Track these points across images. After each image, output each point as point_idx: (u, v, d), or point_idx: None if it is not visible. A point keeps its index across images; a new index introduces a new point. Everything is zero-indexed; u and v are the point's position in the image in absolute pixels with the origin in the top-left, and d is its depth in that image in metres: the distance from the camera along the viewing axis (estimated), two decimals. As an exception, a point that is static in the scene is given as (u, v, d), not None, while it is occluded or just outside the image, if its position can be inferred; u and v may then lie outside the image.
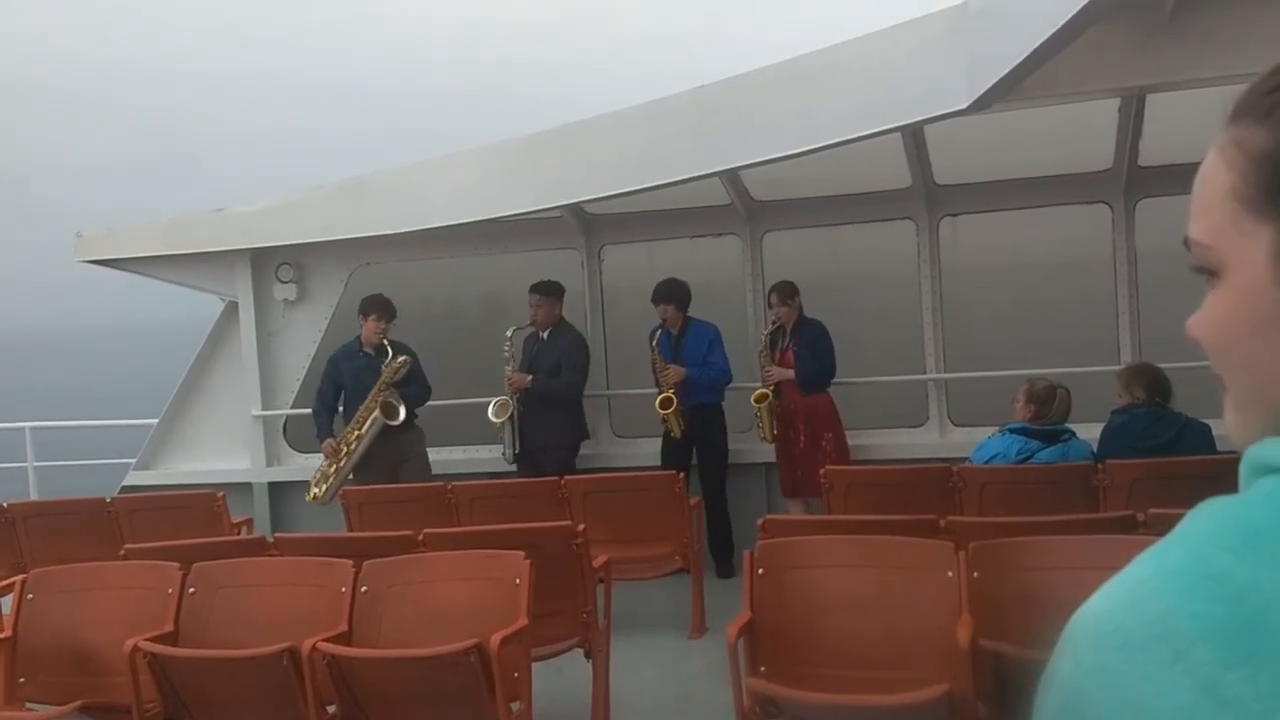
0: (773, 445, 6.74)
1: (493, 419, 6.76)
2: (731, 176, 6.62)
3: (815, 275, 7.33)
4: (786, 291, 6.66)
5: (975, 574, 3.56)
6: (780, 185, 6.94)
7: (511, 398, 6.77)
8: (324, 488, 6.74)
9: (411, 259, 7.59)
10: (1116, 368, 5.82)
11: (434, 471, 6.79)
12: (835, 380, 6.71)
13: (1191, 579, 0.60)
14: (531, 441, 6.76)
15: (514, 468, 6.83)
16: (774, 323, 6.71)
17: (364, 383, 6.71)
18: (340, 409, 6.89)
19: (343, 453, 6.70)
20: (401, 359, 6.68)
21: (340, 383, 6.83)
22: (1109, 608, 0.62)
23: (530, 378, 6.75)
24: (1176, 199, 6.99)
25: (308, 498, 6.82)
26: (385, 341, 6.74)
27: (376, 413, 6.65)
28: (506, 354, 6.81)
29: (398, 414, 6.64)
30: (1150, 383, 5.19)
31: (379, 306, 6.79)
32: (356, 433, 6.69)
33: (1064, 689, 0.62)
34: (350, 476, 6.71)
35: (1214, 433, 5.09)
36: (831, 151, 5.46)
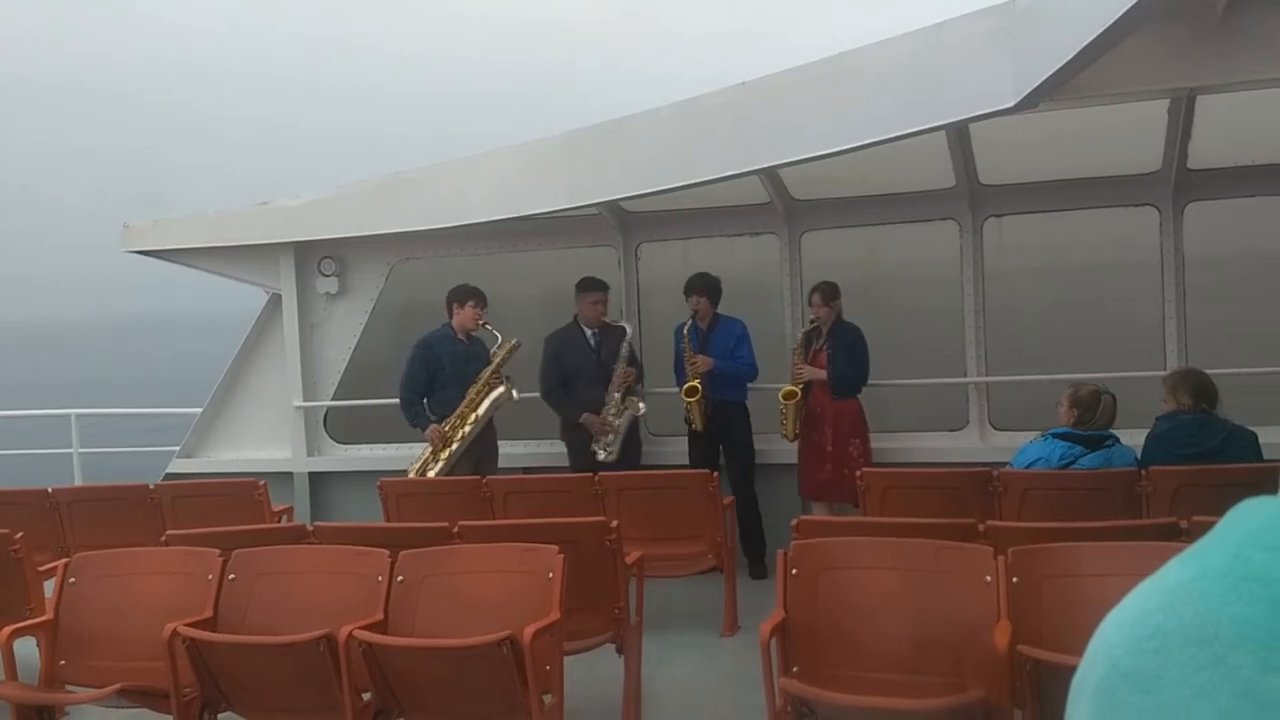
0: (795, 445, 6.69)
1: (632, 414, 6.70)
2: (771, 175, 6.59)
3: (855, 276, 7.28)
4: (830, 293, 6.58)
5: (1015, 579, 3.52)
6: (820, 184, 6.89)
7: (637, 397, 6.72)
8: (432, 474, 6.63)
9: (451, 254, 7.64)
10: (1162, 373, 5.73)
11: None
12: (873, 382, 6.67)
13: (1233, 580, 0.59)
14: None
15: (569, 464, 6.84)
16: (811, 322, 6.66)
17: (464, 368, 6.77)
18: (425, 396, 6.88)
19: (456, 438, 6.69)
20: (515, 340, 6.79)
21: (437, 367, 6.81)
22: (1145, 610, 0.61)
23: (635, 372, 6.77)
24: (1226, 203, 6.94)
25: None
26: (487, 326, 6.83)
27: (500, 389, 6.70)
28: (625, 354, 6.75)
29: (512, 395, 6.75)
30: (1196, 389, 5.10)
31: (475, 294, 6.88)
32: (474, 415, 6.70)
33: (1099, 693, 0.60)
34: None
35: (1260, 440, 5.00)
36: (873, 150, 5.41)
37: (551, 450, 7.19)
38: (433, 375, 6.81)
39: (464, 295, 6.87)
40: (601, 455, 6.65)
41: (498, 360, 6.75)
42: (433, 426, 6.70)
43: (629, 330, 6.85)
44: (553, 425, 7.13)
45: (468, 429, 6.70)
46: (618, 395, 6.70)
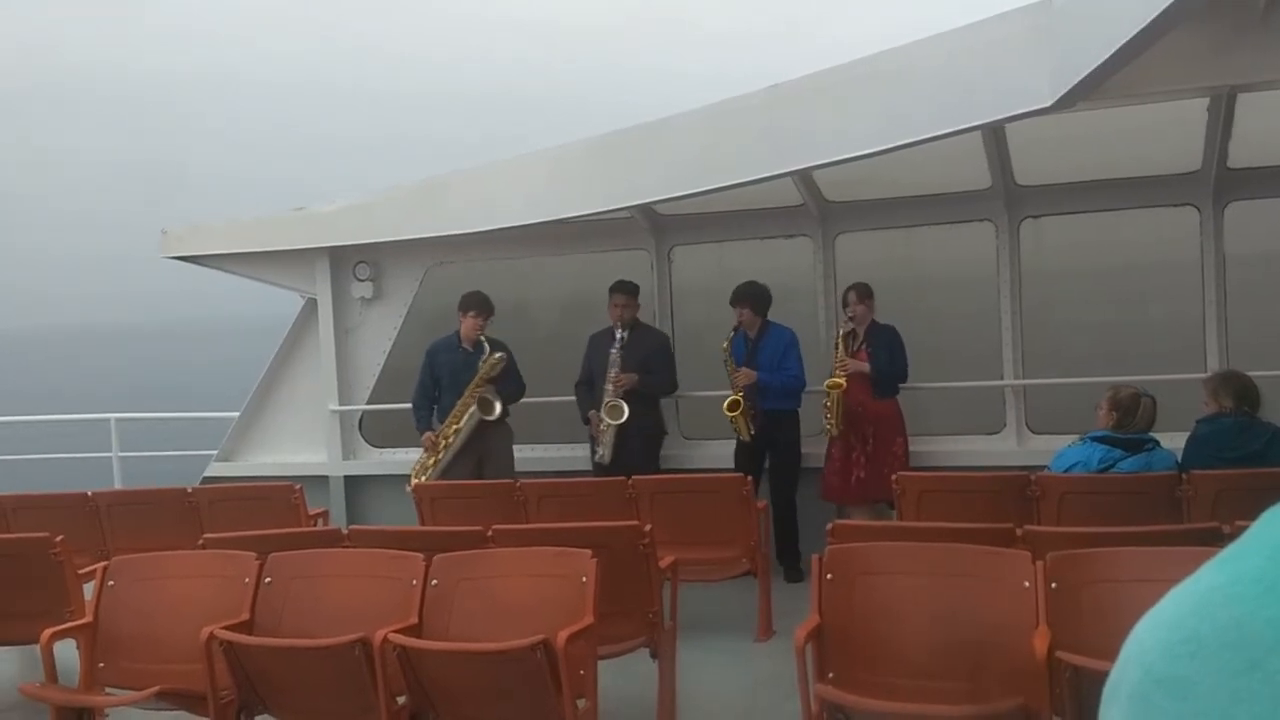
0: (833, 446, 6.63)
1: (610, 421, 6.69)
2: (804, 177, 6.56)
3: (889, 278, 7.23)
4: (865, 291, 6.57)
5: (1053, 585, 3.47)
6: (854, 186, 6.85)
7: (621, 400, 6.70)
8: (424, 479, 6.77)
9: (484, 259, 7.67)
10: (1203, 375, 5.64)
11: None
12: (909, 384, 6.62)
13: (1268, 584, 0.58)
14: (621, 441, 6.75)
15: (590, 468, 6.84)
16: (849, 321, 6.61)
17: (460, 377, 6.83)
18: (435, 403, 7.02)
19: (441, 446, 6.82)
20: (498, 355, 6.79)
21: (437, 375, 6.94)
22: (1179, 615, 0.60)
23: (637, 377, 6.73)
24: (1268, 203, 6.81)
25: (408, 490, 6.69)
26: (483, 338, 6.84)
27: (474, 408, 6.76)
28: (614, 355, 6.76)
29: (493, 410, 6.78)
30: (1238, 391, 5.03)
31: (478, 304, 6.89)
32: (455, 426, 6.81)
33: (1132, 699, 0.59)
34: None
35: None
36: (908, 151, 5.37)
37: (583, 454, 7.19)
38: (435, 382, 6.95)
39: (466, 305, 6.91)
40: (596, 455, 6.74)
41: (478, 375, 6.77)
42: (426, 435, 6.86)
43: (616, 336, 6.80)
44: (581, 429, 7.14)
45: (451, 439, 6.80)
46: (607, 400, 6.72)
